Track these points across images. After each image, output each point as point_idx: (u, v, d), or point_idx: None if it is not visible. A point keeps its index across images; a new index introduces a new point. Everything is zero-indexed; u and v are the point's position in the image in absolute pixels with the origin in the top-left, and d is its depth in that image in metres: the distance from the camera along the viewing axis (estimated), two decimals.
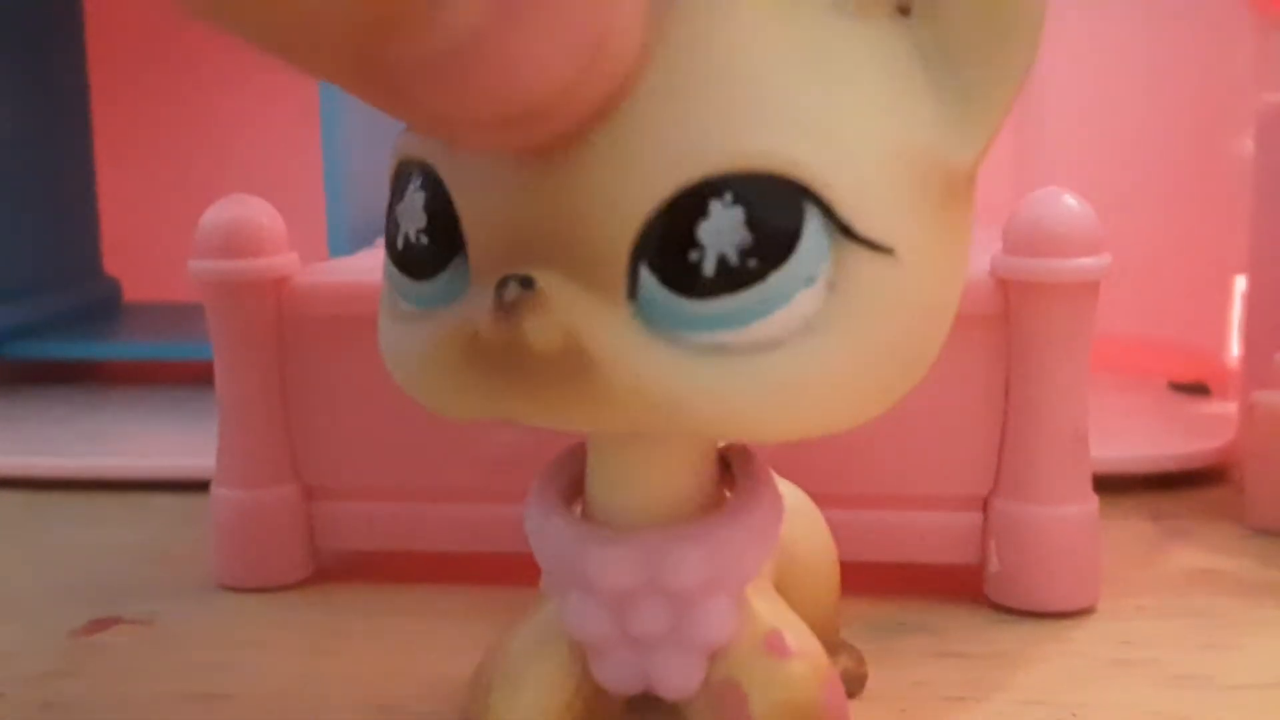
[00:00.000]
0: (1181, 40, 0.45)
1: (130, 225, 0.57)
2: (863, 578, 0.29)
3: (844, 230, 0.15)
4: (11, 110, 0.49)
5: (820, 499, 0.28)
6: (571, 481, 0.19)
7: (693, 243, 0.15)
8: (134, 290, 0.57)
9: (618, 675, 0.18)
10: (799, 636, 0.19)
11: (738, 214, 0.15)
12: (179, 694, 0.25)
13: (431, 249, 0.17)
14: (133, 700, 0.24)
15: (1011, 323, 0.26)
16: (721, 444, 0.20)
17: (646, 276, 0.15)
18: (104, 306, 0.55)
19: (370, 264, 0.30)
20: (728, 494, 0.19)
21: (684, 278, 0.15)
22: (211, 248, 0.28)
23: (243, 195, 0.29)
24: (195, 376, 0.48)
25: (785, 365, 0.15)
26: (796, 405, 0.15)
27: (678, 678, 0.18)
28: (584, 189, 0.15)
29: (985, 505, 0.28)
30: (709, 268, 0.15)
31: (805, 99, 0.15)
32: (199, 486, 0.36)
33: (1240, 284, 0.41)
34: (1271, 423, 0.33)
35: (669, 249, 0.15)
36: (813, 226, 0.15)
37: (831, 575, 0.23)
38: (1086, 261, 0.26)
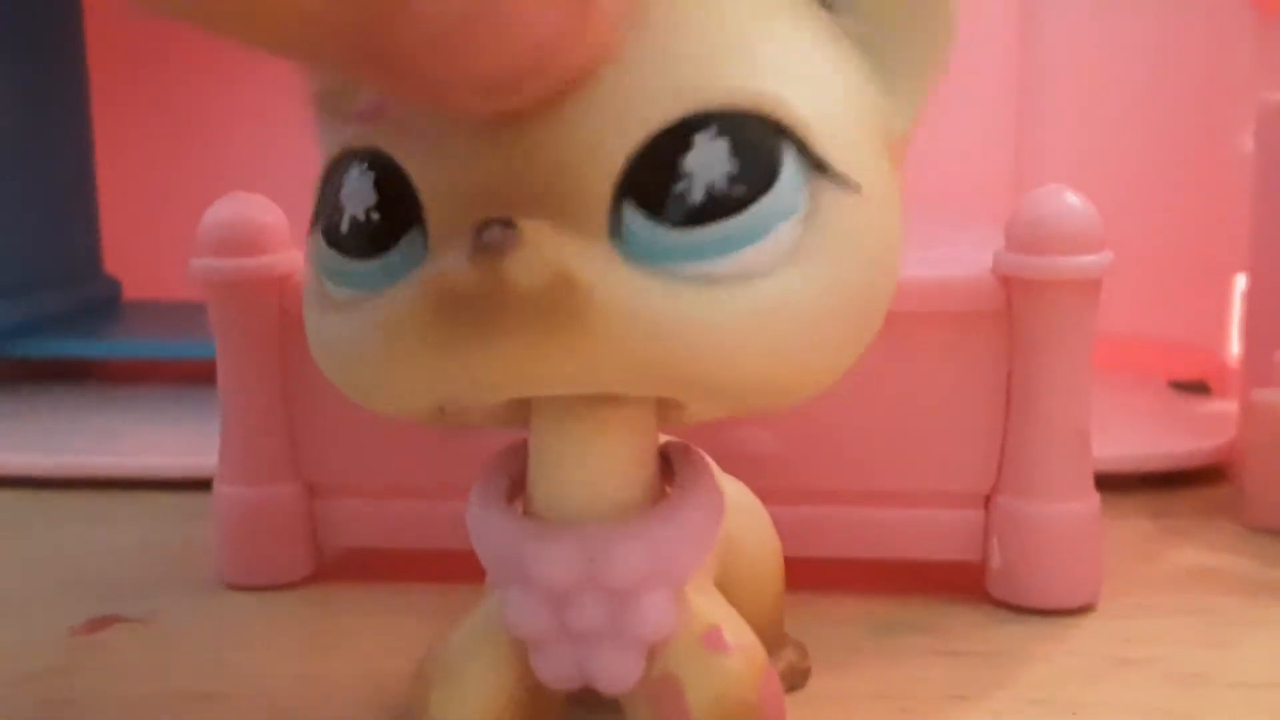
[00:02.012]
0: (1181, 38, 0.45)
1: (130, 223, 0.57)
2: (864, 575, 0.29)
3: (818, 166, 0.16)
4: (11, 108, 0.49)
5: (822, 495, 0.28)
6: (514, 478, 0.19)
7: (679, 174, 0.16)
8: (134, 288, 0.57)
9: (557, 670, 0.19)
10: (737, 632, 0.19)
11: (723, 145, 0.16)
12: (179, 692, 0.25)
13: (383, 224, 0.17)
14: (132, 699, 0.24)
15: (1014, 320, 0.26)
16: (662, 439, 0.20)
17: (631, 213, 0.16)
18: (104, 305, 0.55)
19: None
20: (668, 490, 0.19)
21: (672, 208, 0.16)
22: (213, 245, 0.28)
23: (244, 193, 0.29)
24: (195, 375, 0.48)
25: (769, 293, 0.16)
26: (780, 335, 0.16)
27: (616, 672, 0.18)
28: (562, 138, 0.16)
29: (987, 502, 0.28)
30: (697, 195, 0.16)
31: (780, 47, 0.16)
32: (199, 485, 0.36)
33: (1240, 282, 0.41)
34: (1272, 421, 0.33)
35: (655, 182, 0.16)
36: (790, 160, 0.16)
37: (775, 570, 0.23)
38: (1088, 259, 0.26)
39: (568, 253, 0.15)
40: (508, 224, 0.15)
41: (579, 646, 0.18)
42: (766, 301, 0.16)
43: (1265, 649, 0.26)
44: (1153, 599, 0.28)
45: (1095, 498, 0.27)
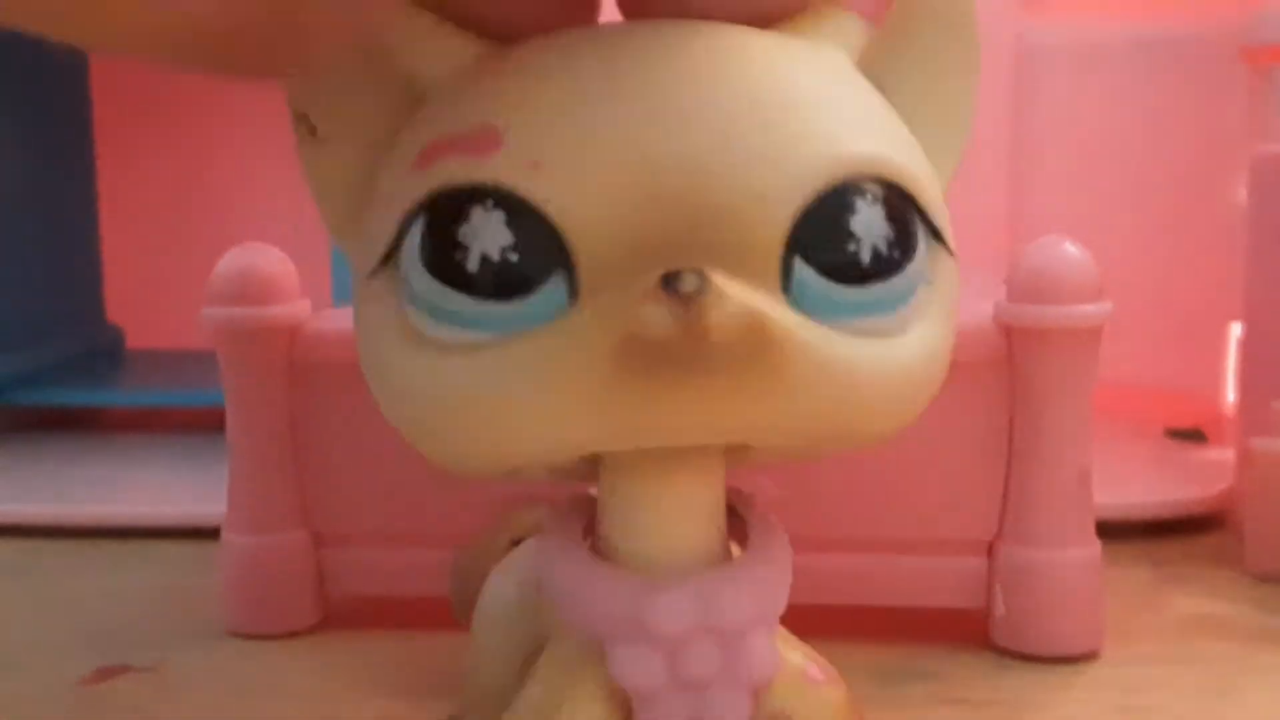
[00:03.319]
0: (1174, 90, 0.45)
1: (133, 273, 0.57)
2: (868, 623, 0.29)
3: (934, 233, 0.17)
4: (15, 159, 0.50)
5: (826, 543, 0.28)
6: (582, 532, 0.19)
7: (850, 234, 0.16)
8: (137, 338, 0.57)
9: None
10: (822, 666, 0.20)
11: (879, 210, 0.17)
12: None
13: (524, 265, 0.16)
14: None
15: (1015, 369, 0.27)
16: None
17: (802, 269, 0.16)
18: (107, 354, 0.55)
19: None
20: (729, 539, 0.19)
21: (844, 267, 0.16)
22: (225, 295, 0.29)
23: (255, 244, 0.29)
24: (198, 424, 0.48)
25: (914, 348, 0.17)
26: (917, 384, 0.17)
27: (729, 716, 0.18)
28: (729, 187, 0.16)
29: (990, 550, 0.28)
30: (865, 256, 0.16)
31: (889, 122, 0.18)
32: (203, 534, 0.36)
33: (1235, 331, 0.41)
34: (1270, 469, 0.33)
35: (826, 240, 0.16)
36: (919, 228, 0.17)
37: None
38: (1089, 308, 0.26)
39: (760, 302, 0.16)
40: (701, 274, 0.15)
41: (692, 695, 0.18)
42: (917, 353, 0.17)
43: (1268, 696, 0.26)
44: (1155, 647, 0.28)
45: (1097, 545, 0.28)
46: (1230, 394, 0.44)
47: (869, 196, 0.16)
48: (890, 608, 0.29)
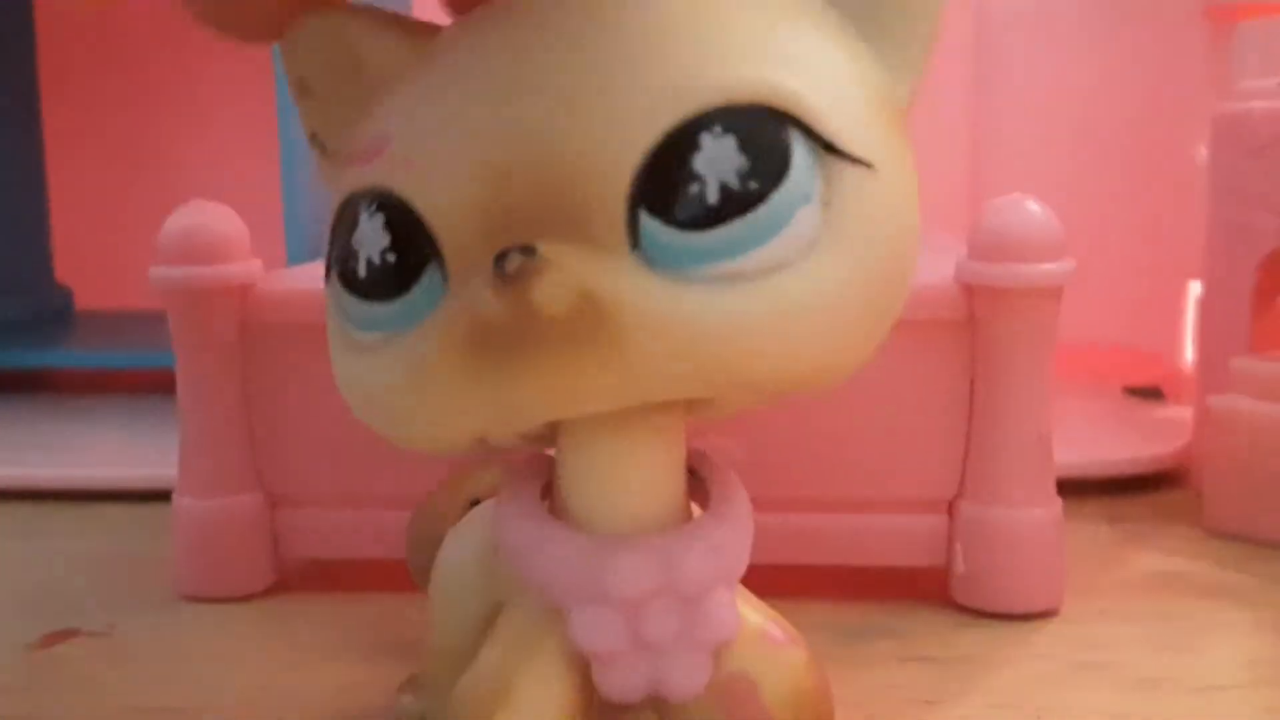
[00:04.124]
0: (1134, 50, 0.45)
1: (82, 233, 0.56)
2: (830, 581, 0.29)
3: (828, 147, 0.16)
4: None
5: (788, 503, 0.28)
6: (540, 493, 0.19)
7: (691, 176, 0.15)
8: (86, 298, 0.56)
9: (625, 683, 0.18)
10: (783, 626, 0.19)
11: (729, 142, 0.15)
12: (141, 708, 0.24)
13: (399, 264, 0.16)
14: (91, 715, 0.24)
15: (976, 328, 0.27)
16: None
17: (647, 221, 0.15)
18: (56, 314, 0.54)
19: None
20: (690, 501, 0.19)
21: (689, 212, 0.15)
22: (174, 254, 0.28)
23: (204, 201, 0.29)
24: (148, 385, 0.47)
25: (795, 285, 0.16)
26: (809, 326, 0.16)
27: (688, 678, 0.18)
28: (566, 153, 0.15)
29: (951, 508, 0.28)
30: (712, 196, 0.15)
31: (772, 31, 0.16)
32: (151, 496, 0.36)
33: (1194, 289, 0.42)
34: (1229, 427, 0.33)
35: (668, 188, 0.15)
36: (799, 146, 0.16)
37: None
38: (1050, 267, 0.26)
39: (591, 271, 0.15)
40: (528, 250, 0.15)
41: (651, 656, 0.18)
42: (795, 294, 0.16)
43: (1227, 652, 0.26)
44: (1114, 603, 0.29)
45: (1058, 503, 0.28)
46: (1189, 352, 0.44)
47: (716, 129, 0.15)
48: (852, 566, 0.29)
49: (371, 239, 0.17)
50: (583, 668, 0.18)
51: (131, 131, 0.58)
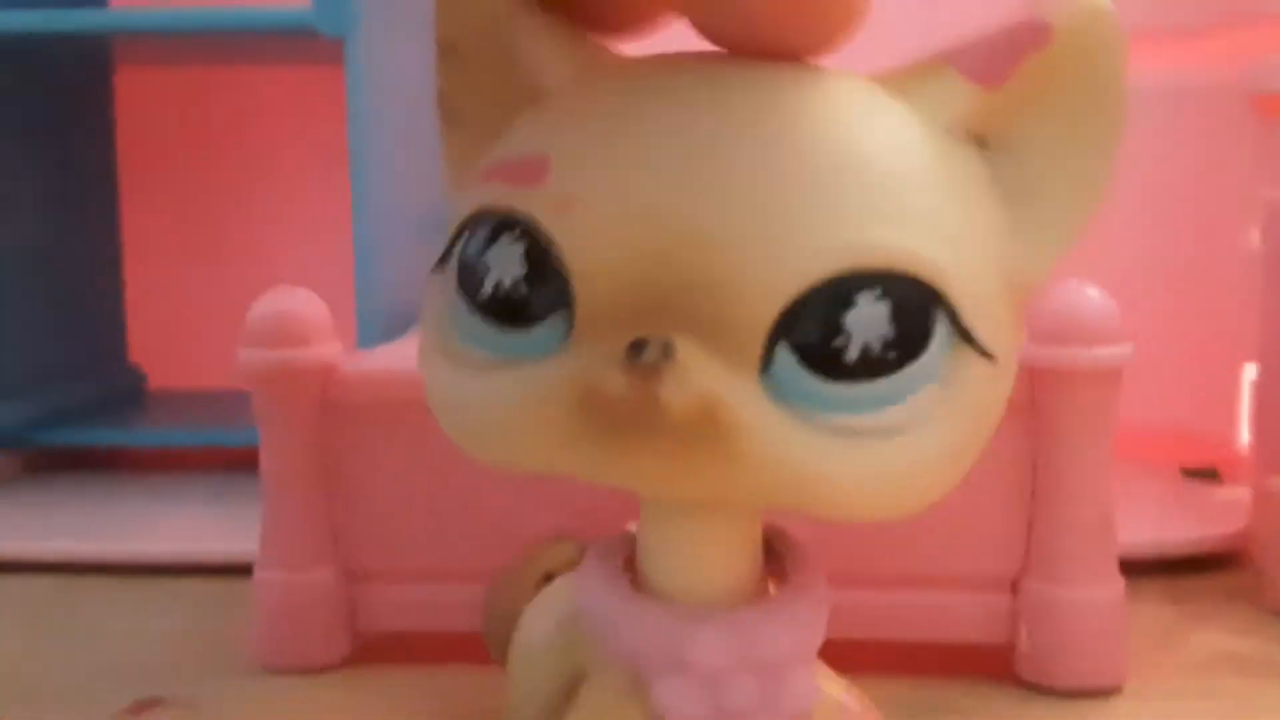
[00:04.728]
0: (1184, 138, 0.46)
1: (154, 315, 0.58)
2: (896, 657, 0.29)
3: (964, 335, 0.17)
4: (40, 202, 0.50)
5: (855, 579, 0.28)
6: (623, 566, 0.20)
7: (839, 329, 0.16)
8: (158, 378, 0.57)
9: None
10: (857, 697, 0.20)
11: (884, 308, 0.16)
12: None
13: (531, 298, 0.17)
14: None
15: (1038, 410, 0.27)
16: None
17: (785, 355, 0.16)
18: (129, 394, 0.55)
19: (409, 352, 0.31)
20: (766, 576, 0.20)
21: (827, 362, 0.16)
22: (261, 337, 0.29)
23: (290, 287, 0.30)
24: (218, 463, 0.48)
25: (904, 452, 0.16)
26: (902, 487, 0.17)
27: None
28: (727, 262, 0.16)
29: (1014, 586, 0.28)
30: (853, 354, 0.16)
31: (938, 209, 0.17)
32: (229, 571, 0.37)
33: (1249, 372, 0.42)
34: None
35: (813, 331, 0.16)
36: (941, 328, 0.16)
37: None
38: (1110, 350, 0.27)
39: (720, 384, 0.16)
40: (666, 346, 0.15)
41: None
42: (902, 460, 0.16)
43: None
44: (1178, 682, 0.29)
45: (1120, 582, 0.28)
46: (1244, 434, 0.44)
47: (875, 292, 0.16)
48: (917, 642, 0.29)
49: (508, 263, 0.17)
50: None
51: (205, 217, 0.59)
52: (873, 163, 0.17)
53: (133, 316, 0.57)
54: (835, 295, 0.16)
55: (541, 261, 0.17)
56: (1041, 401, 0.27)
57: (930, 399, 0.16)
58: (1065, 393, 0.27)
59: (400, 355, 0.32)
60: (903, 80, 0.18)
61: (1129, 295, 0.28)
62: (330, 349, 0.30)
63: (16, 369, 0.48)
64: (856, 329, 0.16)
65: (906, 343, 0.16)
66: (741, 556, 0.19)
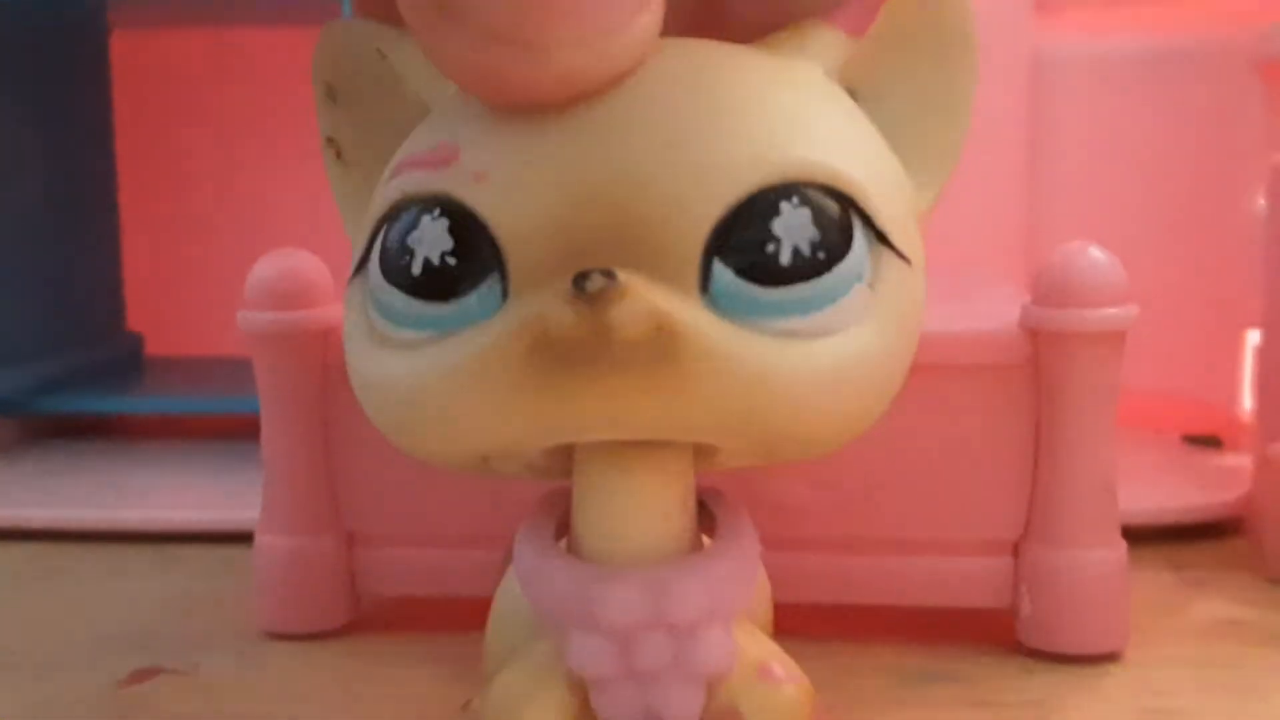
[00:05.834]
0: (1189, 101, 0.46)
1: (152, 281, 0.58)
2: (893, 624, 0.29)
3: (880, 237, 0.18)
4: (35, 165, 0.50)
5: (852, 543, 0.28)
6: (558, 525, 0.20)
7: (769, 236, 0.17)
8: (155, 344, 0.57)
9: (621, 710, 0.19)
10: (785, 664, 0.20)
11: (805, 213, 0.17)
12: None
13: (460, 269, 0.17)
14: None
15: (1041, 371, 0.27)
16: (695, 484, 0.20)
17: (721, 271, 0.17)
18: (127, 361, 0.55)
19: None
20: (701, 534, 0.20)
21: (761, 269, 0.17)
22: (261, 299, 0.29)
23: (290, 249, 0.30)
24: (218, 430, 0.48)
25: (845, 348, 0.17)
26: (851, 387, 0.17)
27: (681, 708, 0.19)
28: (652, 195, 0.17)
29: (1016, 550, 0.28)
30: (785, 258, 0.17)
31: (844, 134, 0.18)
32: (225, 538, 0.37)
33: (1252, 338, 0.42)
34: None
35: (745, 244, 0.17)
36: (859, 232, 0.18)
37: (766, 614, 0.24)
38: (1114, 311, 0.26)
39: (667, 302, 0.16)
40: (609, 273, 0.16)
41: (644, 685, 0.19)
42: (843, 355, 0.17)
43: None
44: (1179, 649, 0.29)
45: (1123, 545, 0.28)
46: (1246, 401, 0.44)
47: (795, 199, 0.17)
48: (915, 608, 0.29)
49: (433, 241, 0.18)
50: (587, 696, 0.19)
51: (201, 180, 0.59)
52: (780, 96, 0.18)
53: (130, 283, 0.57)
54: (761, 207, 0.17)
55: (467, 232, 0.17)
56: (1044, 363, 0.27)
57: (860, 299, 0.17)
58: (1068, 354, 0.27)
59: None
60: (789, 36, 0.20)
61: (1130, 259, 0.28)
62: (331, 310, 0.29)
63: (13, 336, 0.48)
64: (785, 234, 0.17)
65: (832, 242, 0.17)
66: (665, 514, 0.19)
